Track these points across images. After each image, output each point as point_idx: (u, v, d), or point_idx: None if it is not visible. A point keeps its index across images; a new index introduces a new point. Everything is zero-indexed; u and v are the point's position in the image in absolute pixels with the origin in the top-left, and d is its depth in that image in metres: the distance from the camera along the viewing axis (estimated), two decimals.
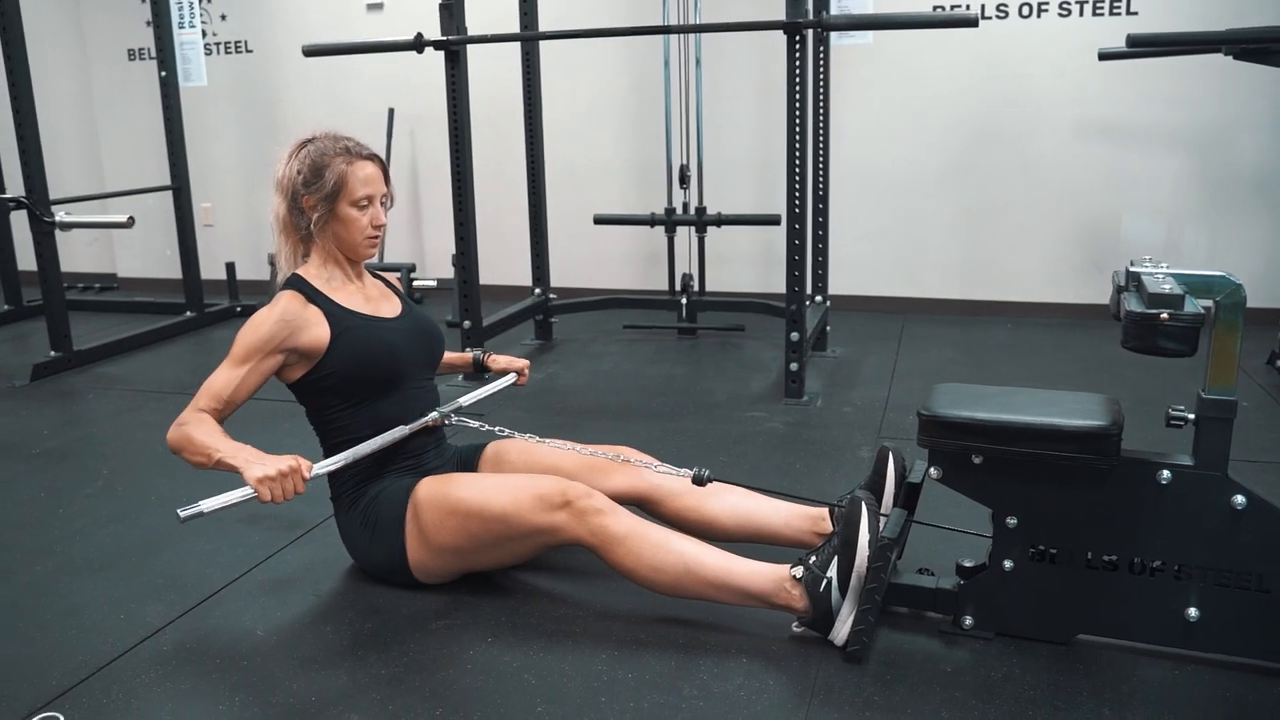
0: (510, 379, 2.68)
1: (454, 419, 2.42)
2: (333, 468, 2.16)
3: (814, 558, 2.03)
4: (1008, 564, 2.02)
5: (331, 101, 5.88)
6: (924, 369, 4.18)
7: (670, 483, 2.38)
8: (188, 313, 5.43)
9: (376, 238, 2.36)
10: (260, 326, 2.23)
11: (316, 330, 2.26)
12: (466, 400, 2.52)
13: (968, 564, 2.09)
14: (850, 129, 5.11)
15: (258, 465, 1.98)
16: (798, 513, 2.34)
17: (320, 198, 2.27)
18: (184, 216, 5.36)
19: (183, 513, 1.91)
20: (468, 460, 2.53)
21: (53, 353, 4.56)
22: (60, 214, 4.40)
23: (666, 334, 4.94)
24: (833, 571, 1.98)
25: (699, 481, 2.20)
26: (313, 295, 2.29)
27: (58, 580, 2.51)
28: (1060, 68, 4.82)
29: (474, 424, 2.40)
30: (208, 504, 1.94)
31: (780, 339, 3.86)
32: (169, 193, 5.39)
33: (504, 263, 5.54)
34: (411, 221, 6.00)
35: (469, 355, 2.72)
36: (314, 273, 2.34)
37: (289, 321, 2.24)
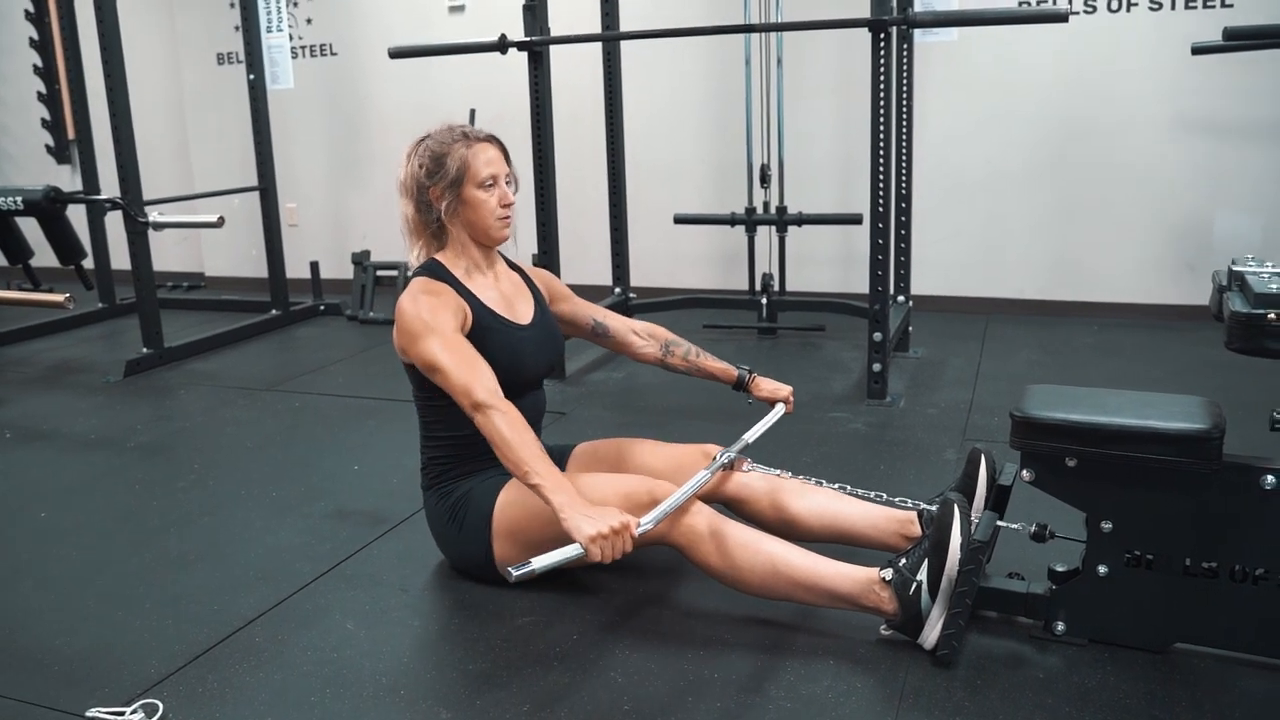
0: (779, 411, 2.61)
1: (749, 465, 2.41)
2: (654, 523, 2.01)
3: (904, 560, 2.00)
4: (1102, 569, 1.97)
5: (414, 103, 5.95)
6: (1008, 371, 4.10)
7: (756, 482, 2.37)
8: (273, 311, 5.54)
9: (508, 218, 2.34)
10: (441, 310, 2.18)
11: (467, 319, 2.26)
12: (751, 436, 2.47)
13: (1060, 569, 2.04)
14: (933, 127, 5.04)
15: (586, 520, 1.88)
16: (885, 515, 2.31)
17: (446, 185, 2.27)
18: (270, 216, 5.47)
19: (515, 571, 1.82)
20: (558, 459, 2.53)
21: (145, 349, 4.68)
22: (153, 215, 4.52)
23: (747, 333, 4.92)
24: (923, 574, 1.95)
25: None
26: (454, 284, 2.30)
27: (154, 571, 2.58)
28: (1151, 63, 4.69)
29: (774, 472, 2.40)
30: (539, 563, 1.85)
31: (861, 339, 3.82)
32: (255, 193, 5.50)
33: (583, 262, 5.55)
34: None
35: (734, 371, 2.66)
36: (450, 259, 2.35)
37: (458, 302, 2.24)
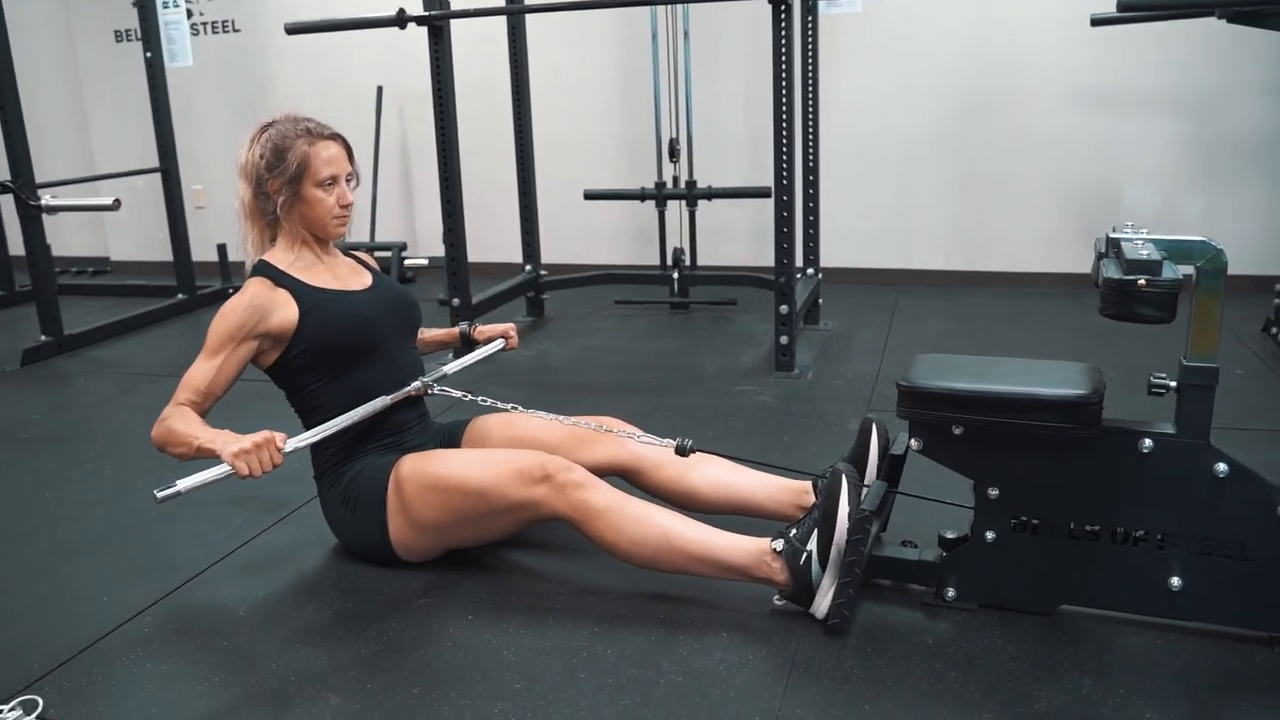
0: (498, 345, 2.65)
1: (436, 389, 2.39)
2: (310, 440, 2.15)
3: (794, 530, 2.02)
4: (990, 535, 2.00)
5: (320, 80, 5.84)
6: (917, 341, 4.15)
7: (653, 454, 2.37)
8: (179, 295, 5.41)
9: (344, 217, 2.34)
10: (231, 315, 2.22)
11: (285, 311, 2.25)
12: (451, 369, 2.50)
13: (950, 535, 2.07)
14: (840, 99, 5.07)
15: (233, 441, 1.98)
16: (781, 486, 2.32)
17: (284, 180, 2.26)
18: (173, 199, 5.34)
19: (159, 493, 1.91)
20: (451, 437, 2.52)
21: (43, 337, 4.54)
22: (46, 197, 4.38)
23: (659, 309, 4.92)
24: (813, 544, 1.97)
25: (682, 452, 2.19)
26: (279, 278, 2.28)
27: (43, 563, 2.51)
28: (1054, 34, 4.76)
29: (456, 394, 2.38)
30: (185, 483, 1.93)
31: (771, 313, 3.84)
32: (159, 175, 5.35)
33: (494, 240, 5.51)
34: (403, 200, 5.97)
35: (455, 330, 2.69)
36: (280, 256, 2.34)
37: (258, 306, 2.23)
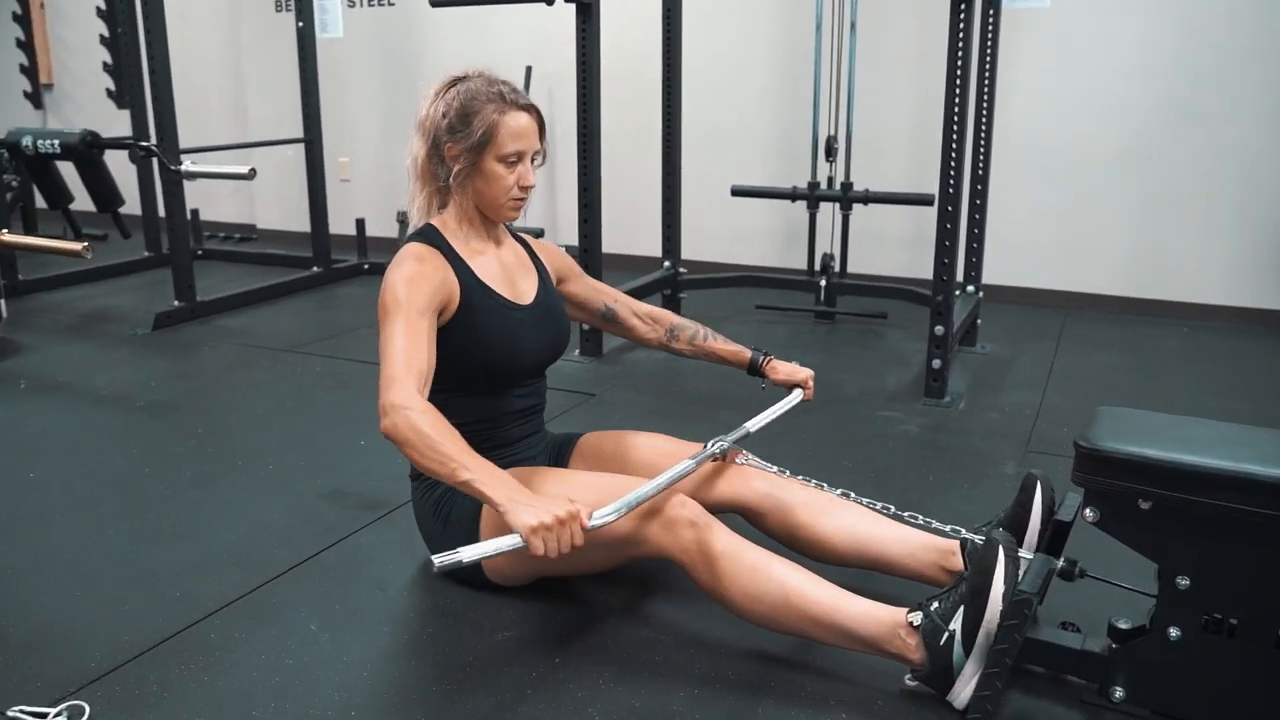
0: (796, 397, 2.34)
1: (749, 459, 2.14)
2: (615, 516, 1.73)
3: (936, 604, 1.71)
4: (1174, 632, 1.66)
5: (470, 58, 5.58)
6: (1084, 373, 3.75)
7: (781, 495, 2.09)
8: (314, 268, 5.37)
9: (522, 200, 2.08)
10: (420, 281, 1.92)
11: (453, 292, 2.00)
12: (754, 424, 2.19)
13: (1123, 625, 1.73)
14: (1018, 103, 4.65)
15: (527, 510, 1.61)
16: (924, 544, 2.02)
17: (465, 147, 2.00)
18: (315, 170, 5.29)
19: (438, 561, 1.57)
20: (560, 451, 2.29)
21: (176, 302, 4.54)
22: (186, 163, 4.35)
23: (802, 317, 4.61)
24: (957, 624, 1.66)
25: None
26: (448, 253, 2.04)
27: (125, 546, 2.40)
28: (1268, 43, 4.24)
29: (772, 469, 2.13)
30: (468, 553, 1.58)
31: (925, 329, 3.50)
32: (304, 145, 5.31)
33: (635, 232, 5.30)
34: (545, 184, 5.80)
35: (746, 354, 2.39)
36: (451, 228, 2.09)
37: (443, 276, 1.97)
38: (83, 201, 4.90)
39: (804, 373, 2.37)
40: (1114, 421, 1.72)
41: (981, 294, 4.13)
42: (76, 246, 3.58)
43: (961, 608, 1.66)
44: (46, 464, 2.93)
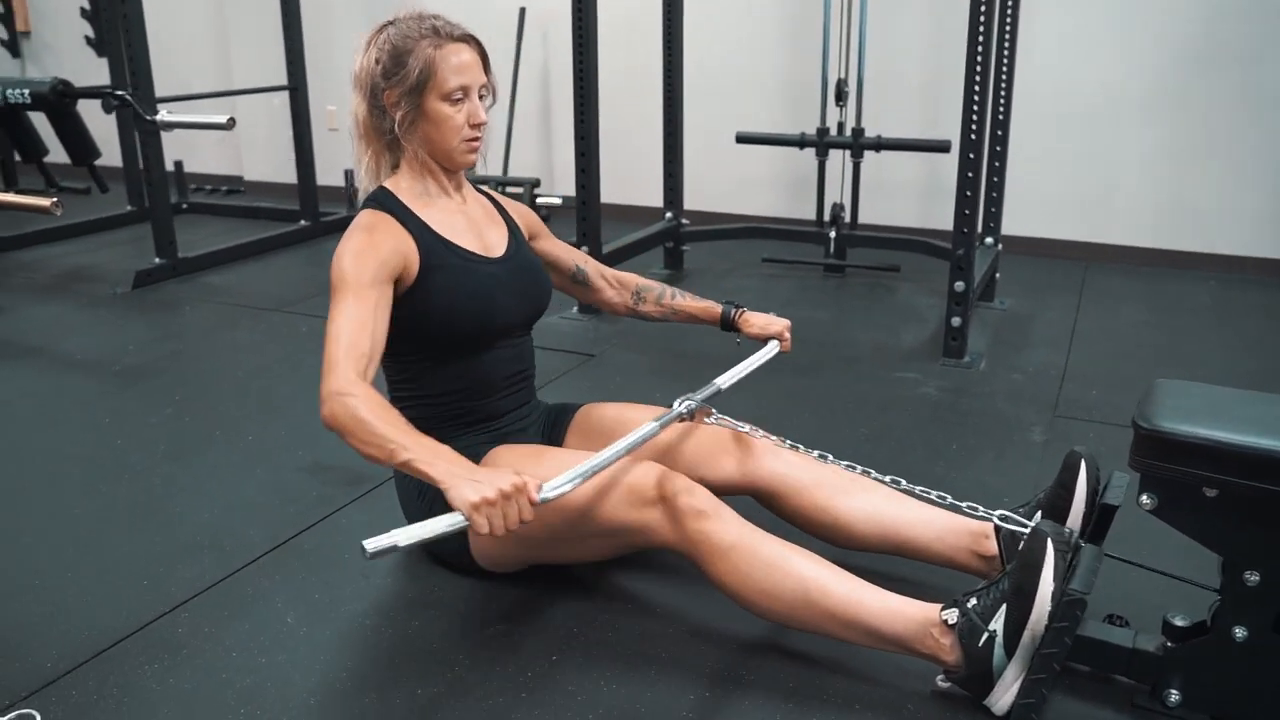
0: (773, 349, 2.17)
1: (715, 417, 1.95)
2: (570, 487, 1.57)
3: (974, 600, 1.54)
4: (1239, 632, 1.49)
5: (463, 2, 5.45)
6: (1109, 330, 3.56)
7: (796, 474, 1.91)
8: (301, 221, 5.16)
9: (476, 140, 1.88)
10: (368, 251, 1.74)
11: (411, 257, 1.82)
12: (725, 381, 2.01)
13: (1180, 622, 1.56)
14: (1040, 42, 4.40)
15: (469, 485, 1.45)
16: (953, 526, 1.85)
17: (404, 90, 1.81)
18: (300, 118, 5.05)
19: (370, 546, 1.36)
20: (556, 424, 2.11)
21: (157, 260, 4.34)
22: (163, 112, 4.13)
23: (810, 270, 4.41)
24: (998, 624, 1.49)
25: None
26: (403, 215, 1.85)
27: (90, 532, 2.22)
28: None
29: (744, 428, 1.94)
30: (404, 537, 1.39)
31: (941, 283, 3.31)
32: (289, 93, 5.08)
33: (635, 182, 5.08)
34: (541, 132, 5.57)
35: (717, 309, 2.21)
36: (404, 186, 1.90)
37: (394, 245, 1.78)
38: (62, 154, 4.68)
39: (780, 323, 2.20)
40: (1175, 398, 1.54)
41: (1001, 246, 3.93)
42: (45, 203, 3.39)
43: (1004, 606, 1.49)
44: (12, 437, 2.76)
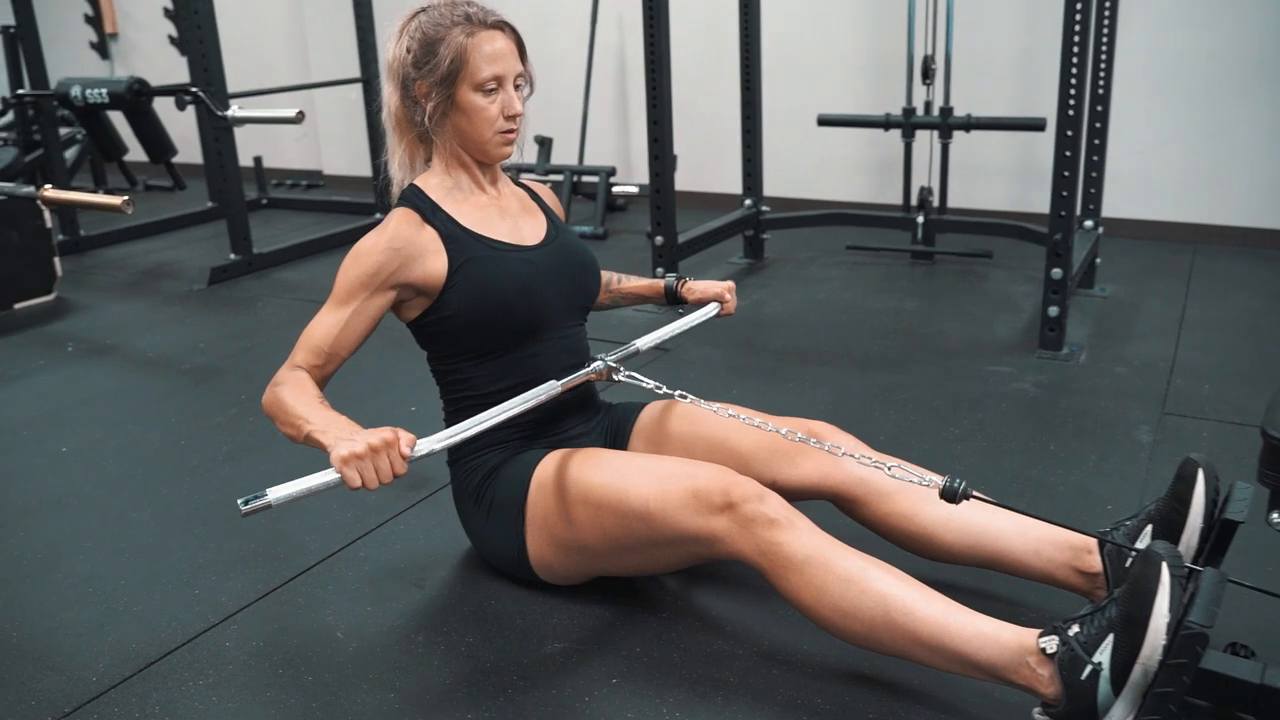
0: (711, 310, 2.06)
1: (623, 374, 1.80)
2: (445, 444, 1.56)
3: (1077, 628, 1.38)
4: None
5: None
6: (1221, 319, 3.31)
7: (880, 478, 1.76)
8: (376, 215, 5.12)
9: (512, 132, 1.80)
10: (365, 257, 1.75)
11: (432, 261, 1.76)
12: (645, 343, 1.91)
13: None
14: (1142, 9, 4.14)
15: (342, 442, 1.46)
16: (1052, 539, 1.68)
17: (435, 80, 1.73)
18: (374, 111, 5.01)
19: (244, 505, 1.41)
20: (619, 426, 2.00)
21: (232, 255, 4.34)
22: (233, 108, 4.11)
23: (897, 258, 4.22)
24: (1104, 656, 1.33)
25: (950, 497, 1.54)
26: (430, 213, 1.79)
27: (147, 536, 2.18)
28: None
29: (648, 384, 1.78)
30: (276, 494, 1.43)
31: (1036, 270, 3.13)
32: (361, 85, 5.04)
33: (717, 168, 4.95)
34: (617, 120, 5.46)
35: (658, 282, 2.12)
36: (434, 183, 1.83)
37: (399, 249, 1.74)
38: (143, 154, 4.72)
39: (720, 285, 2.09)
40: None
41: (1101, 229, 3.69)
42: (115, 201, 3.37)
43: (1111, 636, 1.33)
44: (82, 437, 2.73)
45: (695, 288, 2.09)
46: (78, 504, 2.33)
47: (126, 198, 3.40)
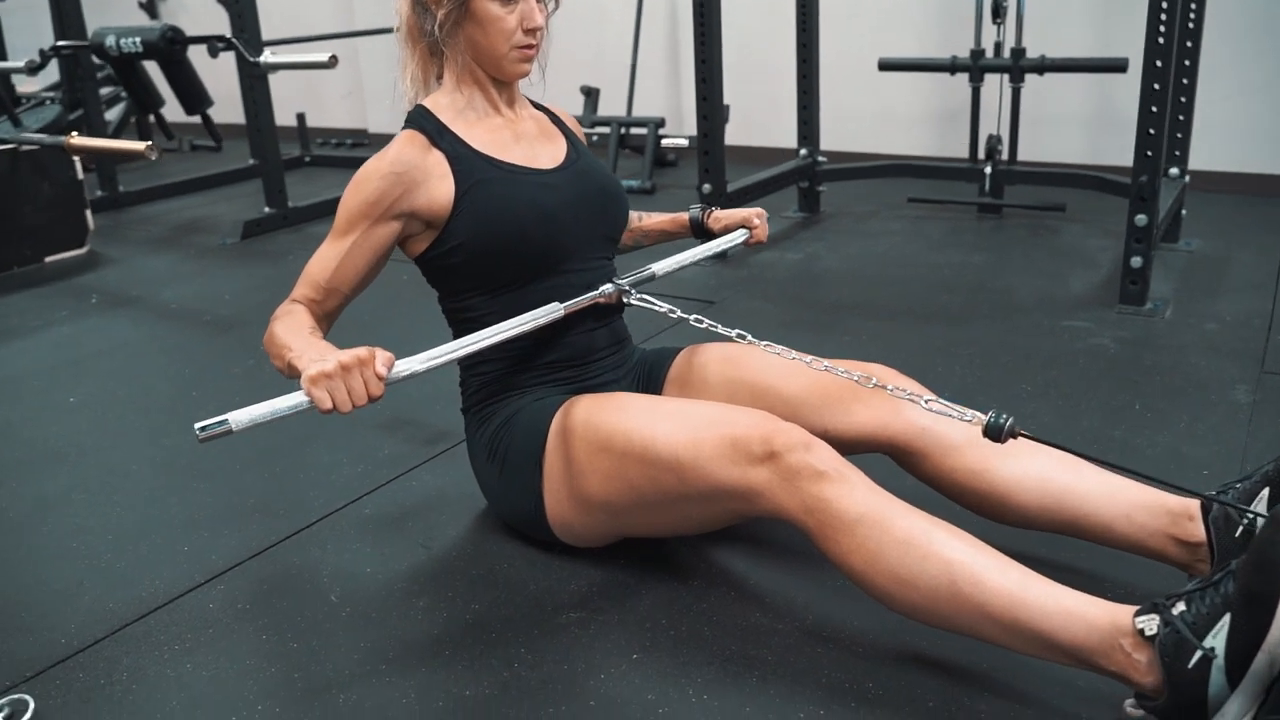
0: (739, 237, 1.85)
1: (634, 296, 1.64)
2: (429, 365, 1.43)
3: (1182, 605, 1.15)
4: None
5: None
6: None
7: (944, 429, 1.54)
8: None
9: (531, 48, 1.60)
10: (365, 184, 1.57)
11: (438, 185, 1.58)
12: (661, 267, 1.73)
13: None
14: None
15: (316, 363, 1.31)
16: (1145, 501, 1.44)
17: None
18: None
19: (201, 431, 1.27)
20: (653, 372, 1.79)
21: (267, 209, 4.20)
22: (266, 54, 3.94)
23: (963, 211, 3.95)
24: (1218, 640, 1.10)
25: (994, 434, 1.33)
26: (437, 134, 1.60)
27: (142, 487, 2.03)
28: None
29: (661, 307, 1.60)
30: (238, 417, 1.28)
31: (1114, 224, 2.87)
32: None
33: (774, 122, 4.68)
34: (668, 70, 5.22)
35: (683, 216, 1.92)
36: (444, 102, 1.64)
37: (402, 174, 1.56)
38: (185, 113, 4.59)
39: (748, 210, 1.86)
40: None
41: (1187, 179, 3.40)
42: (140, 146, 3.23)
43: (1226, 616, 1.10)
44: (91, 387, 2.60)
45: (721, 216, 1.88)
46: (76, 455, 2.19)
47: (150, 143, 3.26)
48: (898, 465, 1.60)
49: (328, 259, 1.60)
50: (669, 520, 1.54)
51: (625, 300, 1.66)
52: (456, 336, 1.69)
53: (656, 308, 1.61)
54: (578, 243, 1.66)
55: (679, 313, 1.59)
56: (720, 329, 1.57)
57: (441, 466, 2.03)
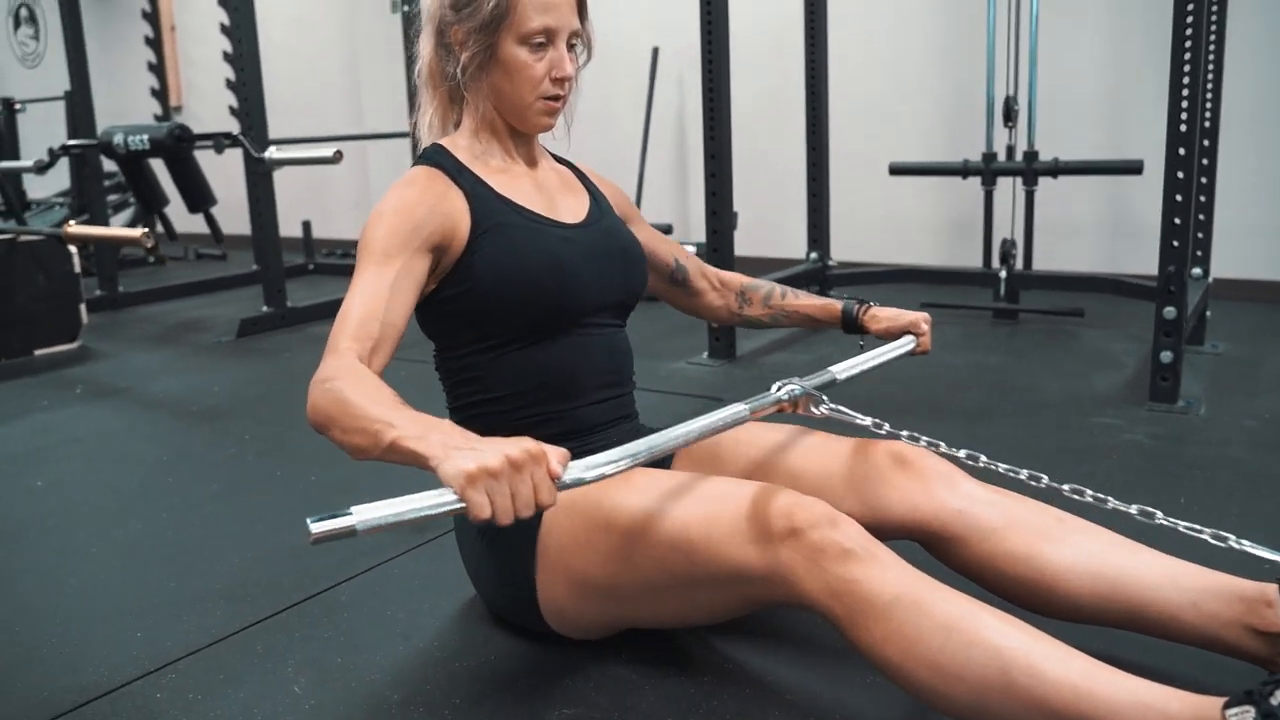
0: (906, 343, 1.67)
1: (826, 406, 1.43)
2: (615, 469, 1.13)
3: (1278, 692, 0.98)
4: None
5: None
6: None
7: (982, 511, 1.39)
8: None
9: (558, 101, 1.48)
10: (406, 210, 1.37)
11: (460, 220, 1.42)
12: (841, 371, 1.53)
13: None
14: (1251, 39, 3.78)
15: (465, 454, 1.02)
16: (1213, 587, 1.28)
17: (474, 27, 1.42)
18: None
19: (316, 525, 0.96)
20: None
21: (265, 308, 4.11)
22: (271, 150, 3.92)
23: (977, 316, 3.84)
24: None
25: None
26: (455, 171, 1.46)
27: (106, 569, 1.88)
28: None
29: (862, 420, 1.43)
30: (366, 515, 0.98)
31: (1135, 328, 2.76)
32: (410, 140, 4.86)
33: (783, 234, 4.63)
34: (676, 178, 5.20)
35: (836, 305, 1.75)
36: (462, 144, 1.51)
37: (435, 205, 1.40)
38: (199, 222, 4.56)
39: (916, 314, 1.69)
40: None
41: (1211, 280, 3.29)
42: (136, 233, 3.16)
43: None
44: (66, 470, 2.46)
45: (881, 316, 1.71)
46: (35, 536, 2.04)
47: (146, 229, 3.19)
48: (929, 554, 1.44)
49: (376, 291, 1.31)
50: (676, 608, 1.37)
51: (814, 410, 1.44)
52: (452, 400, 1.55)
53: (856, 419, 1.43)
54: (593, 302, 1.52)
55: (888, 427, 1.41)
56: (923, 440, 1.42)
57: (425, 555, 1.86)
